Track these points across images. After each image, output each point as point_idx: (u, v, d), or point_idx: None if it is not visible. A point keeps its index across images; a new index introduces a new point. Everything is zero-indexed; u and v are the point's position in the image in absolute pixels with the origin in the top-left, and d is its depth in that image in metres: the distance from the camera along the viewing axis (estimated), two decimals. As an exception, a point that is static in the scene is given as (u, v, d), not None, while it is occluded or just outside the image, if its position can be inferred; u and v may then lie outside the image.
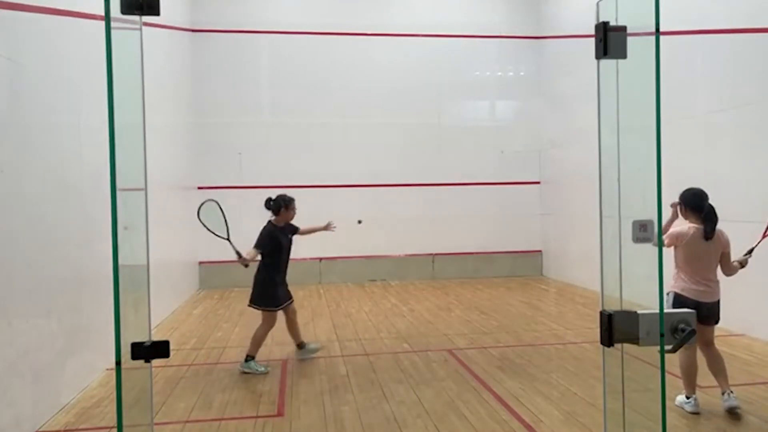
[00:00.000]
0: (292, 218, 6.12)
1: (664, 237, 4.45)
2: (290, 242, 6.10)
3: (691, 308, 4.25)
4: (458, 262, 12.22)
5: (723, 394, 4.40)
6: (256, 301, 5.96)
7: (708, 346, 4.48)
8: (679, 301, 4.41)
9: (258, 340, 5.90)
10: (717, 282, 4.46)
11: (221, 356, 6.45)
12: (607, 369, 1.87)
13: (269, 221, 6.05)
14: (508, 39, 12.39)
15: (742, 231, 6.58)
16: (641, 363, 1.73)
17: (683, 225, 4.48)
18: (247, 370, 5.75)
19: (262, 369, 5.77)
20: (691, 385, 4.48)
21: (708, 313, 4.41)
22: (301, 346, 6.25)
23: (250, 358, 5.82)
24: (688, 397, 4.48)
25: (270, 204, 6.04)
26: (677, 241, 4.41)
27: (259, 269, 6.01)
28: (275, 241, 5.92)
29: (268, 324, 5.92)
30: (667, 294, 4.50)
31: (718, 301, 4.48)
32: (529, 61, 12.50)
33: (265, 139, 11.70)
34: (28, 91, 4.55)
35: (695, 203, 4.42)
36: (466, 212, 12.19)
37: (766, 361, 5.83)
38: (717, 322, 4.50)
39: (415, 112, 12.07)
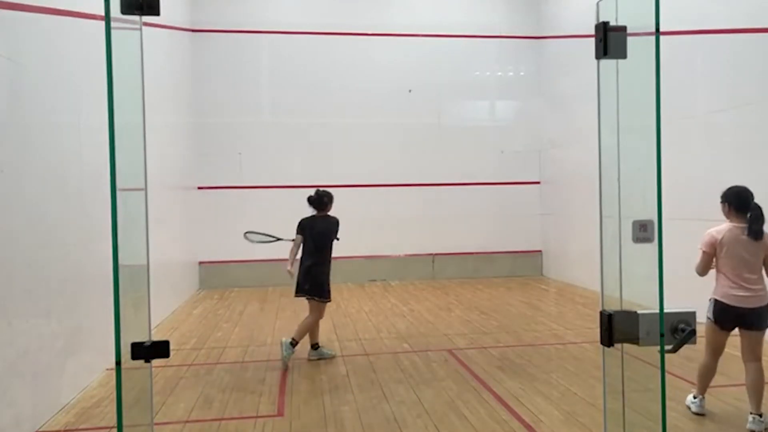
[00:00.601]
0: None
1: (699, 247, 4.22)
2: None
3: (734, 315, 4.07)
4: (458, 262, 12.22)
5: (750, 414, 4.09)
6: (322, 293, 6.11)
7: (755, 360, 4.12)
8: (719, 308, 4.13)
9: (308, 329, 6.08)
10: (763, 286, 4.07)
11: (221, 356, 6.45)
12: (607, 369, 1.87)
13: (332, 215, 6.27)
14: (508, 39, 12.39)
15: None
16: (641, 363, 1.73)
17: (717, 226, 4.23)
18: (284, 351, 5.89)
19: (284, 360, 5.87)
20: (702, 388, 4.38)
21: (755, 319, 4.07)
22: (315, 346, 6.28)
23: (295, 342, 5.97)
24: (695, 397, 4.42)
25: (314, 198, 6.24)
26: (713, 244, 4.14)
27: (328, 262, 6.19)
28: None
29: (321, 314, 6.16)
30: (709, 300, 4.25)
31: (767, 306, 4.08)
32: (529, 61, 12.50)
33: (265, 139, 11.71)
34: (28, 91, 4.55)
35: (739, 202, 4.11)
36: (466, 212, 12.19)
37: (767, 361, 5.83)
38: (765, 327, 4.13)
39: (415, 112, 12.08)
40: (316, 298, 6.10)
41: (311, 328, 6.14)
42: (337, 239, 6.19)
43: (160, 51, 8.99)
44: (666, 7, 1.69)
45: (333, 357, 6.26)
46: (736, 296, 4.08)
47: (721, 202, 4.25)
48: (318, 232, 6.12)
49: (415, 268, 12.12)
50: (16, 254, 4.20)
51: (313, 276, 6.07)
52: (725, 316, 4.14)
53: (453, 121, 12.31)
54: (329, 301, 6.21)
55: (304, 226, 6.18)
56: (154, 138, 6.99)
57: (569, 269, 11.37)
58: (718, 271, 4.21)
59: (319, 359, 6.19)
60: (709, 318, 4.24)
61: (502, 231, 12.40)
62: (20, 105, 4.40)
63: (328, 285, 6.17)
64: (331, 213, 6.26)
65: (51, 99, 4.95)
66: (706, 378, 4.36)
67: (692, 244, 4.45)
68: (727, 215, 4.21)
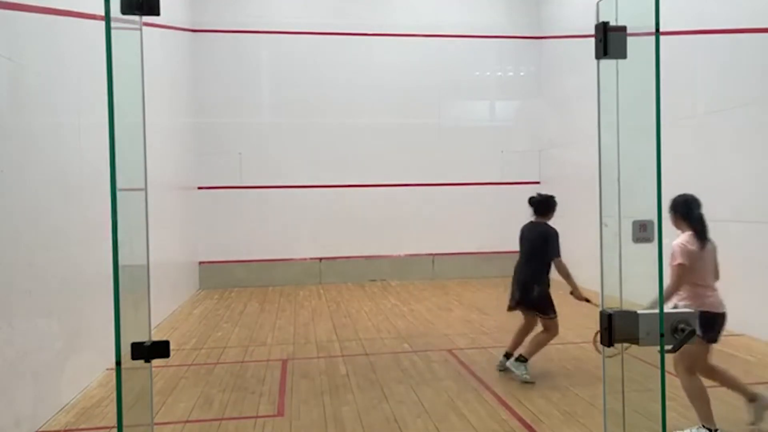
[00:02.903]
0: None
1: (675, 264, 3.96)
2: None
3: (709, 321, 3.92)
4: (458, 262, 12.21)
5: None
6: (548, 310, 5.51)
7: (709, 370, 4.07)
8: (702, 317, 3.92)
9: (541, 346, 5.45)
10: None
11: (221, 356, 6.45)
12: (607, 369, 1.87)
13: (546, 224, 5.73)
14: (508, 39, 12.39)
15: (740, 231, 6.58)
16: (641, 363, 1.73)
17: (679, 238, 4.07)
18: (514, 370, 5.35)
19: (528, 377, 5.27)
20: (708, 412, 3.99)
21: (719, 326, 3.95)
22: (509, 356, 5.56)
23: (523, 358, 5.36)
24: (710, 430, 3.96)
25: (541, 203, 5.82)
26: (690, 256, 3.97)
27: (545, 274, 5.60)
28: None
29: (556, 331, 5.49)
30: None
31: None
32: (529, 61, 12.50)
33: (265, 139, 11.71)
34: (29, 91, 4.55)
35: (685, 211, 4.06)
36: (466, 212, 12.19)
37: (766, 361, 5.83)
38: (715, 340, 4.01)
39: (415, 112, 12.07)
40: (537, 314, 5.54)
41: (544, 345, 5.48)
42: (555, 254, 5.50)
43: (160, 51, 8.98)
44: (666, 7, 1.69)
45: (528, 381, 5.26)
46: (705, 302, 3.98)
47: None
48: (525, 239, 5.75)
49: (415, 268, 12.11)
50: (17, 254, 4.20)
51: (522, 289, 5.57)
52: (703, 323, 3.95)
53: (453, 121, 12.30)
54: (547, 316, 5.48)
55: (520, 233, 5.79)
56: (154, 138, 7.01)
57: (570, 269, 11.33)
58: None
59: (504, 370, 5.56)
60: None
61: (502, 231, 12.31)
62: (20, 105, 4.40)
63: (541, 299, 5.48)
64: (545, 221, 5.75)
65: (51, 99, 4.95)
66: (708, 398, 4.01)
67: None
68: (676, 224, 4.14)
